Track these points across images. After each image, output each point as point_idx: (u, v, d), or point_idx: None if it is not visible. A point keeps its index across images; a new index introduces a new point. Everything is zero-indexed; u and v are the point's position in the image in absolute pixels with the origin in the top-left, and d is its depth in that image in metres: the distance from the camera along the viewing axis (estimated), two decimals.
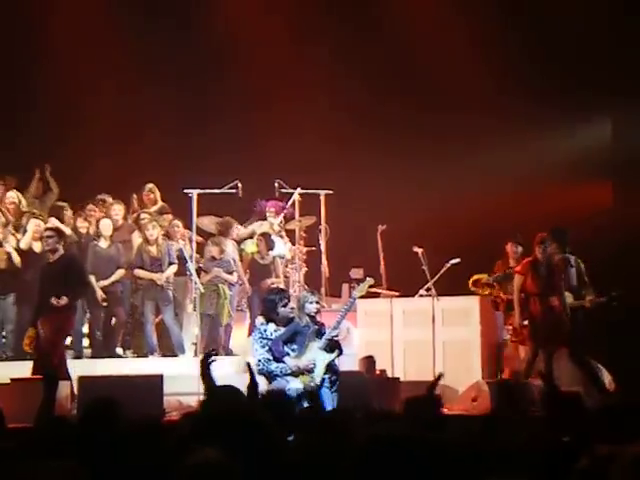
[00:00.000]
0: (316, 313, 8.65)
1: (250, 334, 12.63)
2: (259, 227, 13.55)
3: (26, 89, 14.85)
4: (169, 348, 12.27)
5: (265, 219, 13.62)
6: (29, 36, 14.90)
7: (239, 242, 13.32)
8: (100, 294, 11.98)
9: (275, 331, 8.60)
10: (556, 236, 11.17)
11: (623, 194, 14.34)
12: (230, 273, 12.46)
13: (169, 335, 12.26)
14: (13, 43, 14.78)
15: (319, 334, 8.54)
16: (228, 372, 11.44)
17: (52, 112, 14.72)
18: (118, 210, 12.68)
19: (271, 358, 8.46)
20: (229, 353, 12.50)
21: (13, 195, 12.45)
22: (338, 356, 8.60)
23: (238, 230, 13.31)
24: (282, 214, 13.63)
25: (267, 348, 8.50)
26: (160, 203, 13.20)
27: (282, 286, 12.10)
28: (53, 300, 10.23)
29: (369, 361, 11.52)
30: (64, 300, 10.27)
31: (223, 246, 12.52)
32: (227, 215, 13.20)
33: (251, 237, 13.38)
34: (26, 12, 14.86)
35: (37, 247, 11.78)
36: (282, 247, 13.55)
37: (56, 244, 10.63)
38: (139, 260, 12.16)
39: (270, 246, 12.99)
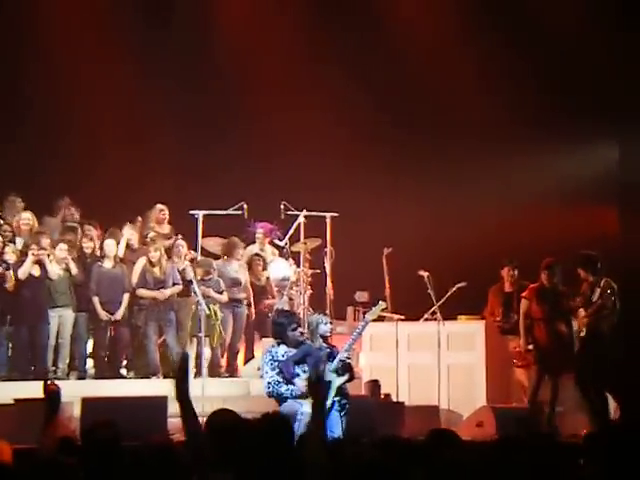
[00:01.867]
0: (329, 335, 8.59)
1: (246, 358, 12.61)
2: (251, 250, 13.53)
3: (23, 101, 14.78)
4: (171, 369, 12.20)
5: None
6: (26, 37, 14.81)
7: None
8: (104, 314, 11.92)
9: (286, 353, 8.52)
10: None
11: (629, 220, 14.31)
12: (220, 293, 12.40)
13: (171, 356, 12.19)
14: (8, 45, 14.72)
15: (330, 356, 8.47)
16: (231, 394, 11.42)
17: (51, 128, 14.70)
18: (130, 234, 12.66)
19: (281, 380, 8.36)
20: (233, 375, 12.44)
21: (28, 217, 12.40)
22: (349, 380, 8.51)
23: (243, 251, 13.31)
24: (271, 237, 13.62)
25: (277, 370, 8.41)
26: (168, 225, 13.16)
27: (282, 308, 12.09)
28: None
29: (374, 385, 11.47)
30: None
31: (208, 267, 12.47)
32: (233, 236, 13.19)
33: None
34: (27, 12, 14.80)
35: (35, 270, 11.71)
36: (287, 269, 13.52)
37: None
38: (142, 281, 12.14)
39: (264, 267, 12.98)
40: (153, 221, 13.10)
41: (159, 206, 13.14)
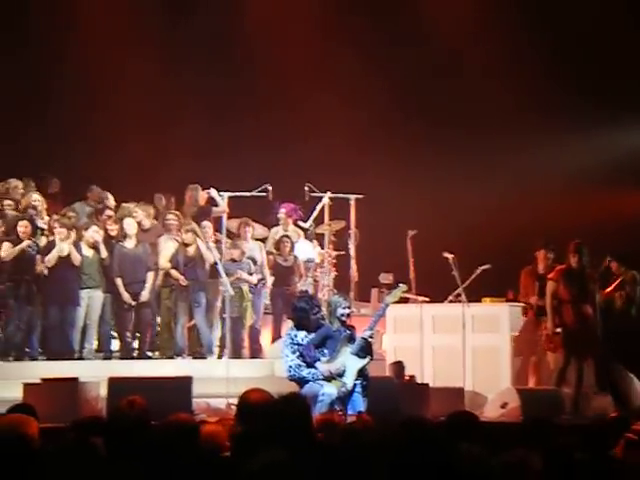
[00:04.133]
0: (347, 317, 8.61)
1: (273, 338, 12.64)
2: (276, 232, 13.52)
3: (53, 84, 14.89)
4: (198, 350, 12.26)
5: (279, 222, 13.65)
6: (58, 20, 14.92)
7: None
8: (127, 297, 11.96)
9: (306, 337, 8.55)
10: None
11: None
12: (250, 275, 12.44)
13: (199, 336, 12.24)
14: (43, 31, 14.83)
15: (351, 339, 8.49)
16: (255, 375, 11.47)
17: (78, 111, 14.80)
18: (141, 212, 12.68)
19: (302, 364, 8.39)
20: (256, 355, 12.47)
21: (38, 198, 12.47)
22: (370, 361, 8.55)
23: (253, 229, 13.31)
24: (293, 217, 13.61)
25: (298, 354, 8.44)
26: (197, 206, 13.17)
27: (307, 289, 12.11)
28: None
29: (398, 366, 11.46)
30: None
31: (244, 248, 12.51)
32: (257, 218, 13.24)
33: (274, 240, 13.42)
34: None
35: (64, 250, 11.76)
36: (311, 251, 13.53)
37: None
38: (175, 261, 12.16)
39: (291, 248, 13.00)
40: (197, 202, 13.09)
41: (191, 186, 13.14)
